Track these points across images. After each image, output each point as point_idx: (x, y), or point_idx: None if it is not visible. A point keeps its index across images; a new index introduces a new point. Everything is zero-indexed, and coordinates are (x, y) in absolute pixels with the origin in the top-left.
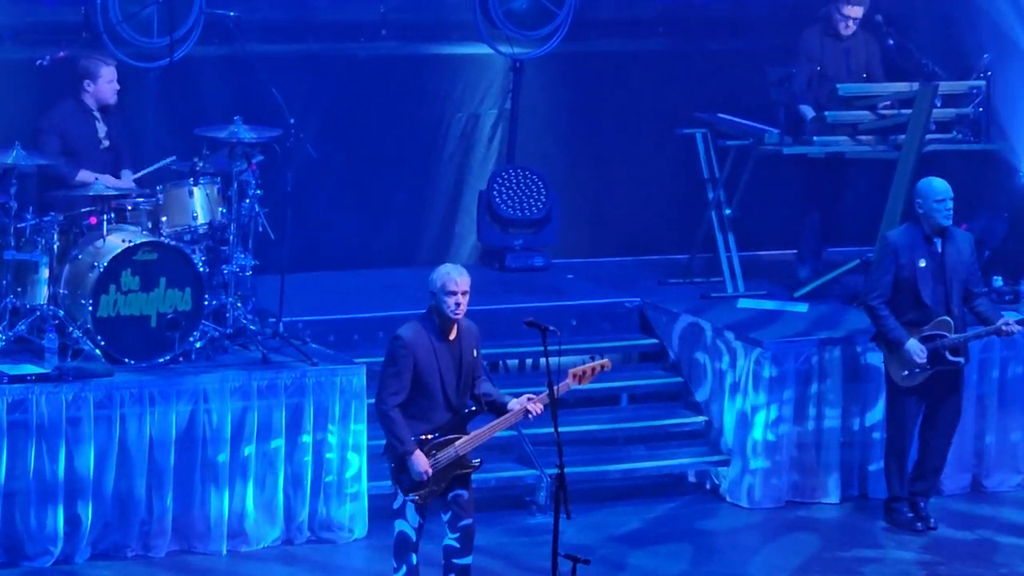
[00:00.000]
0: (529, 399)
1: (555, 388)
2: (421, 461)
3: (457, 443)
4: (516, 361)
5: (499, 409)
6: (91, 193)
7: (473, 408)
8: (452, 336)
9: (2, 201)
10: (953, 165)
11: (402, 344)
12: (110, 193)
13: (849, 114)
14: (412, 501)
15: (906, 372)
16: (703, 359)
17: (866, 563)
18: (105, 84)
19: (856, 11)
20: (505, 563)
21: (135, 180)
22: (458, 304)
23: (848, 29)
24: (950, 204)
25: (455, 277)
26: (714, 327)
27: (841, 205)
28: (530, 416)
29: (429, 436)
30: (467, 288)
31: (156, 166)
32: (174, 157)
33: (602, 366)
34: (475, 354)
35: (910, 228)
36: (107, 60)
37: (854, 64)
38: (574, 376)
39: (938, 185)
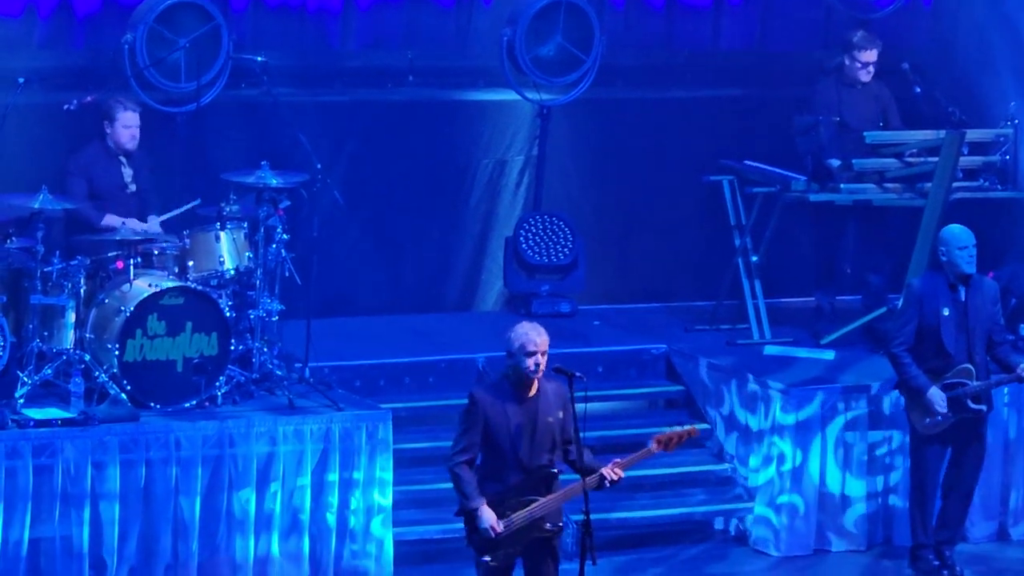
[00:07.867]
0: (614, 464)
1: (636, 456)
2: (488, 515)
3: (533, 505)
4: None
5: (588, 474)
6: (117, 237)
7: (556, 471)
8: (531, 393)
9: (29, 245)
10: (980, 213)
11: (473, 402)
12: (137, 237)
13: (876, 162)
14: (486, 563)
15: (928, 420)
16: (729, 405)
17: None
18: (121, 128)
19: (872, 55)
20: None
21: (161, 223)
22: (537, 364)
23: (868, 76)
24: (973, 251)
25: (534, 337)
26: (740, 373)
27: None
28: (606, 483)
29: (507, 497)
30: (546, 348)
31: (182, 209)
32: (199, 200)
33: (689, 432)
34: (560, 415)
35: (934, 276)
36: (128, 104)
37: (871, 112)
38: (658, 442)
39: (960, 232)
